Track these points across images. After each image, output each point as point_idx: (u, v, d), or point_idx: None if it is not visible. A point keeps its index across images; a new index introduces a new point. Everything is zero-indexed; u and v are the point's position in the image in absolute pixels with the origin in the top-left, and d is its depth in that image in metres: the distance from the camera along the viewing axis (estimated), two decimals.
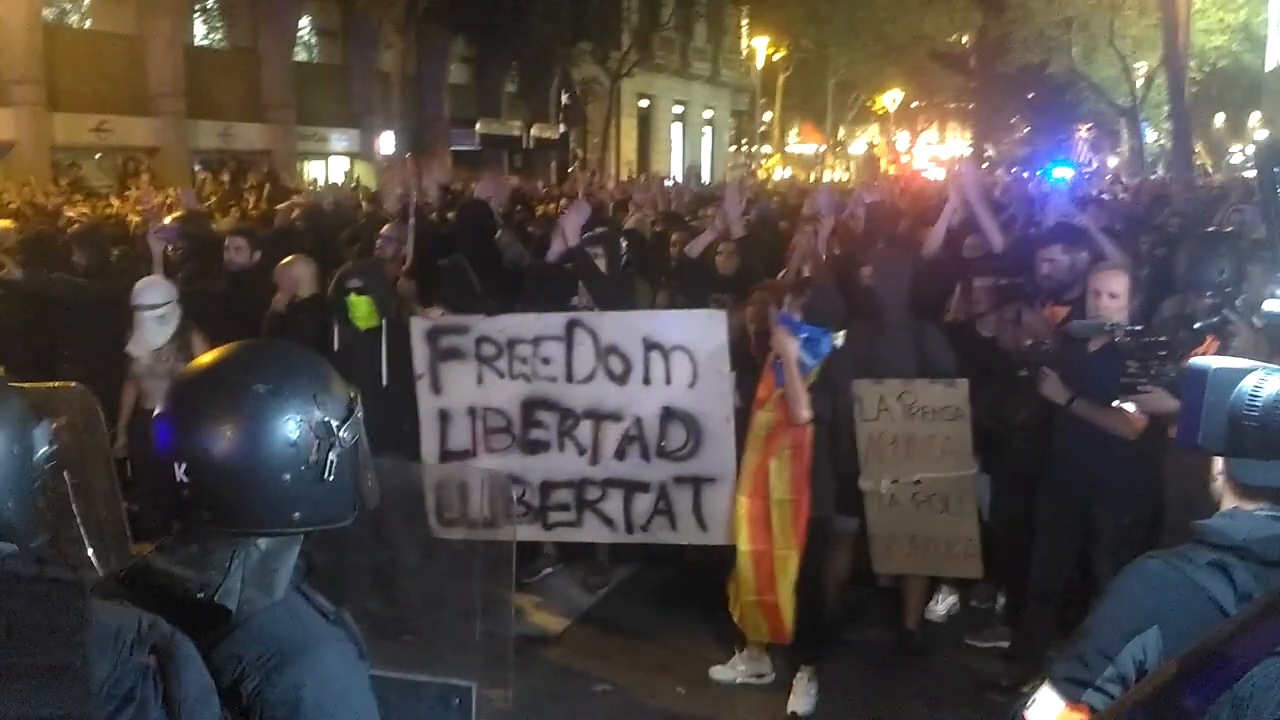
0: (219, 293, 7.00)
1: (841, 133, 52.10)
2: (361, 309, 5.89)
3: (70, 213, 11.30)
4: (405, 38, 30.03)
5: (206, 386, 1.77)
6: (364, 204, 12.41)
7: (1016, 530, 5.49)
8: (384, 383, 5.87)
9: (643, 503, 5.95)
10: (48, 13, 22.41)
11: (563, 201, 12.25)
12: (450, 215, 10.01)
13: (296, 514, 1.77)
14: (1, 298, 7.09)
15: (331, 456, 1.77)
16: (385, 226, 8.18)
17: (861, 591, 6.23)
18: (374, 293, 5.92)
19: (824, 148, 48.85)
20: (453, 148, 31.82)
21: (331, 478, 1.77)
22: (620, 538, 6.17)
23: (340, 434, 1.78)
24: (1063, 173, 13.35)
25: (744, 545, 5.33)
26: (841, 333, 5.21)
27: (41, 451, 1.61)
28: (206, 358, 1.83)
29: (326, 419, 1.77)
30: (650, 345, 5.85)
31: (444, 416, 6.09)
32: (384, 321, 5.97)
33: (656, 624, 6.31)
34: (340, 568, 2.12)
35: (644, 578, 6.90)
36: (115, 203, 13.34)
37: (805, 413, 5.08)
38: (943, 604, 6.33)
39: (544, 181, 23.95)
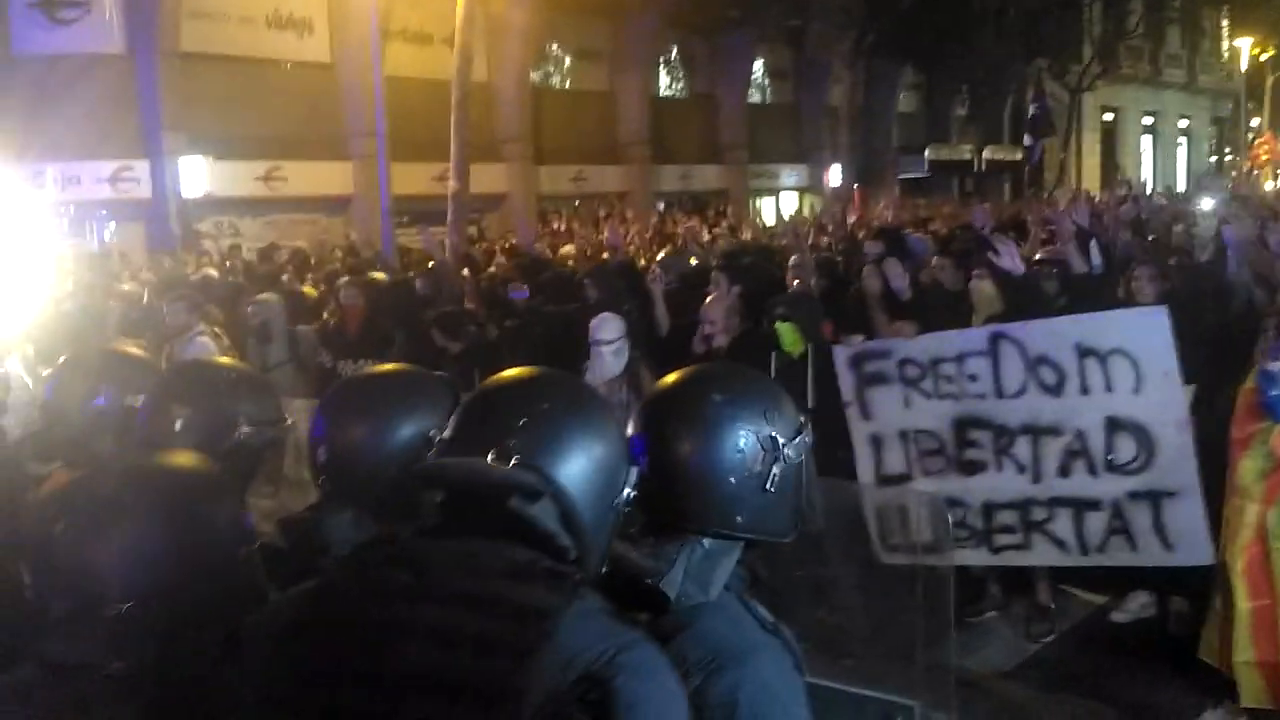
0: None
1: None
2: (787, 336, 6.10)
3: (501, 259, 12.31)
4: (854, 72, 30.36)
5: (673, 395, 1.98)
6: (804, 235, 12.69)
7: None
8: (809, 405, 5.94)
9: (1095, 521, 5.47)
10: (534, 76, 25.05)
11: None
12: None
13: (739, 518, 1.88)
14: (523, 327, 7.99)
15: (775, 470, 1.89)
16: (793, 257, 8.35)
17: None
18: (797, 320, 6.12)
19: None
20: (901, 175, 31.67)
21: (773, 490, 1.89)
22: (1073, 560, 5.69)
23: (785, 450, 1.91)
24: None
25: (1242, 603, 4.79)
26: None
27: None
28: (675, 374, 2.03)
29: (774, 434, 1.90)
30: (1084, 352, 5.38)
31: (876, 441, 6.01)
32: (809, 347, 6.12)
33: (1111, 673, 5.81)
34: (782, 584, 2.23)
35: (1100, 621, 6.44)
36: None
37: None
38: None
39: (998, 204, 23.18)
